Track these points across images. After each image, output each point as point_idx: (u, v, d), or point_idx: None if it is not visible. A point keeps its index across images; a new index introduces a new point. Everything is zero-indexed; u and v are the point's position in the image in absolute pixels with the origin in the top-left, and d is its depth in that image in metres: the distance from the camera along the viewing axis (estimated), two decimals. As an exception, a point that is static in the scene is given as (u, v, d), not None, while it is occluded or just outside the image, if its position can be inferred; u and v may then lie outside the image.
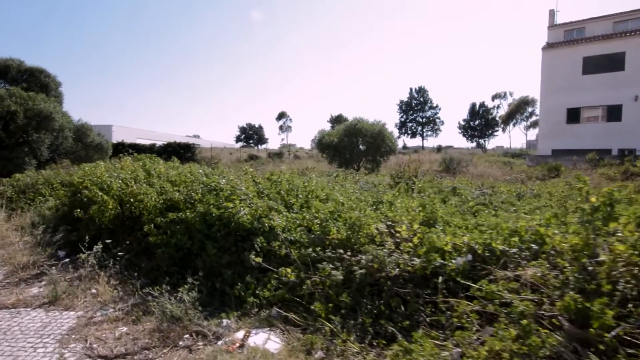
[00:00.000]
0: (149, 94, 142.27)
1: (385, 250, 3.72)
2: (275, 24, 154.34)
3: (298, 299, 3.68)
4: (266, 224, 4.28)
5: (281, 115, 78.13)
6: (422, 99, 62.06)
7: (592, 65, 22.30)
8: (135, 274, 4.68)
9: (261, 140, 77.64)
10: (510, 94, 62.38)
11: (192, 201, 4.97)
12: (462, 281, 3.43)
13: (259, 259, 3.95)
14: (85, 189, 7.15)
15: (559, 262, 3.02)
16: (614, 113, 21.83)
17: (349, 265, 3.81)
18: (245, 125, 78.35)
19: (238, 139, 77.59)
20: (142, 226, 5.52)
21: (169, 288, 3.67)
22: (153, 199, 5.28)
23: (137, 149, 27.67)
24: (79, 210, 5.94)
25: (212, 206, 4.45)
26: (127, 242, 5.19)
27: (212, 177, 5.45)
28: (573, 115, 23.13)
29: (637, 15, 22.86)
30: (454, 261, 3.59)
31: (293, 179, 6.07)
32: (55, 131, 14.94)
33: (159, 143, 29.83)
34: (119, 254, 4.98)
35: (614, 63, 21.63)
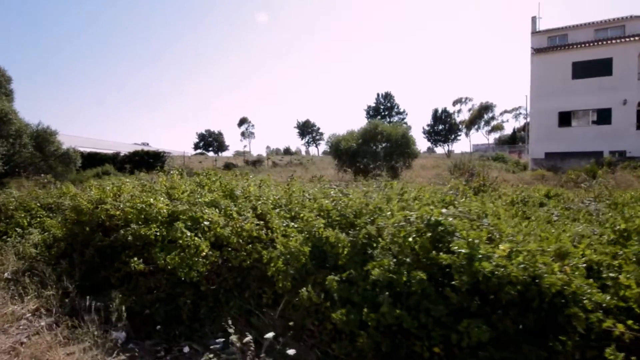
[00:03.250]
0: (84, 99, 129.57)
1: None
2: (225, 30, 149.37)
3: None
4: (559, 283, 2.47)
5: (243, 121, 74.72)
6: (389, 104, 62.34)
7: (582, 70, 22.76)
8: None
9: (221, 147, 73.53)
10: (470, 100, 64.78)
11: (373, 243, 3.02)
12: None
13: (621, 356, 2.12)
14: (107, 218, 4.96)
15: None
16: (604, 116, 22.37)
17: None
18: (204, 132, 73.98)
19: (197, 146, 72.87)
20: (259, 285, 3.46)
21: None
22: (296, 240, 3.21)
23: (98, 159, 24.04)
24: (135, 259, 3.69)
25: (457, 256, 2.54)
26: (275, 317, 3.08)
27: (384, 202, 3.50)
28: (565, 119, 23.45)
29: (616, 23, 23.81)
30: None
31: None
32: (11, 137, 11.72)
33: (123, 152, 26.15)
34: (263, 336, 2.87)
35: (602, 68, 22.20)
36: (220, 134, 74.63)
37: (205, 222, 3.68)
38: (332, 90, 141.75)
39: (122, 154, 25.20)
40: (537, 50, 24.32)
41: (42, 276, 4.91)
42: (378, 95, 63.45)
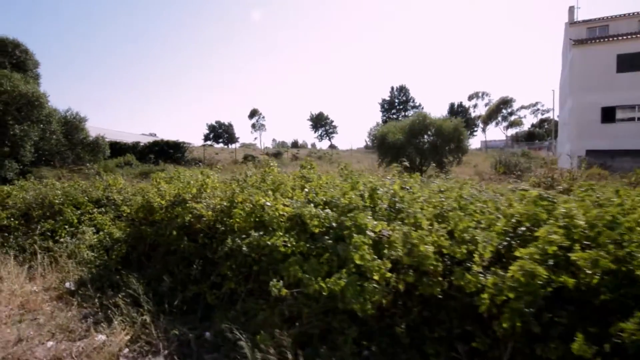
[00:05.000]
0: (87, 88, 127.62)
1: None
2: (232, 18, 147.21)
3: None
4: None
5: (253, 113, 73.48)
6: (404, 98, 60.96)
7: (627, 63, 21.47)
8: None
9: (232, 139, 72.47)
10: (487, 94, 63.29)
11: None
12: None
13: None
14: (195, 219, 4.11)
15: None
16: (650, 112, 21.18)
17: None
18: (214, 123, 72.94)
19: (207, 138, 71.89)
20: (460, 322, 2.54)
21: None
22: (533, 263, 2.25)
23: (118, 148, 23.16)
24: (276, 281, 2.79)
25: None
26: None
27: None
28: (608, 115, 22.23)
29: (665, 14, 22.45)
30: None
31: None
32: (41, 123, 10.82)
33: (143, 141, 25.25)
34: None
35: (650, 61, 20.95)
36: (230, 125, 73.60)
37: (370, 233, 2.72)
38: (343, 83, 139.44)
39: (142, 144, 24.32)
40: (577, 42, 23.03)
41: (116, 288, 4.02)
42: (392, 88, 62.10)
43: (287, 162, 28.86)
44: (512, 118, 58.52)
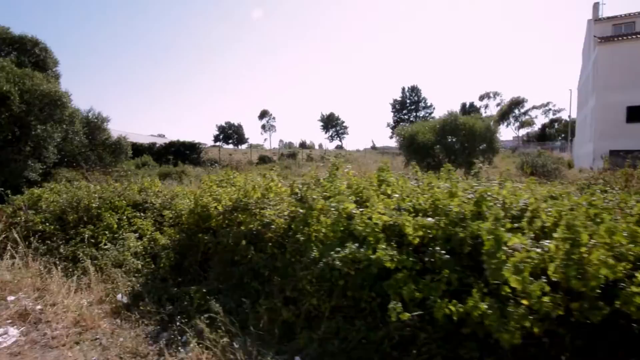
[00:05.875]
0: (96, 90, 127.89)
1: None
2: (243, 17, 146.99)
3: None
4: None
5: (264, 114, 73.26)
6: (416, 98, 60.35)
7: (655, 61, 20.91)
8: None
9: (241, 139, 72.25)
10: (498, 94, 62.50)
11: None
12: None
13: None
14: (264, 228, 3.78)
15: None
16: (679, 112, 20.56)
17: None
18: (224, 124, 72.75)
19: (217, 139, 71.81)
20: (627, 353, 2.14)
21: None
22: None
23: (134, 149, 22.90)
24: (396, 303, 2.42)
25: None
26: None
27: None
28: (634, 114, 21.64)
29: (692, 10, 21.80)
30: None
31: None
32: (64, 122, 10.55)
33: (157, 142, 25.02)
34: None
35: (678, 58, 20.34)
36: (240, 126, 73.39)
37: (506, 249, 2.32)
38: (352, 84, 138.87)
39: (158, 145, 24.11)
40: (603, 40, 22.44)
41: (177, 302, 3.68)
42: (404, 88, 61.52)
43: (302, 163, 28.51)
44: (524, 118, 57.75)
